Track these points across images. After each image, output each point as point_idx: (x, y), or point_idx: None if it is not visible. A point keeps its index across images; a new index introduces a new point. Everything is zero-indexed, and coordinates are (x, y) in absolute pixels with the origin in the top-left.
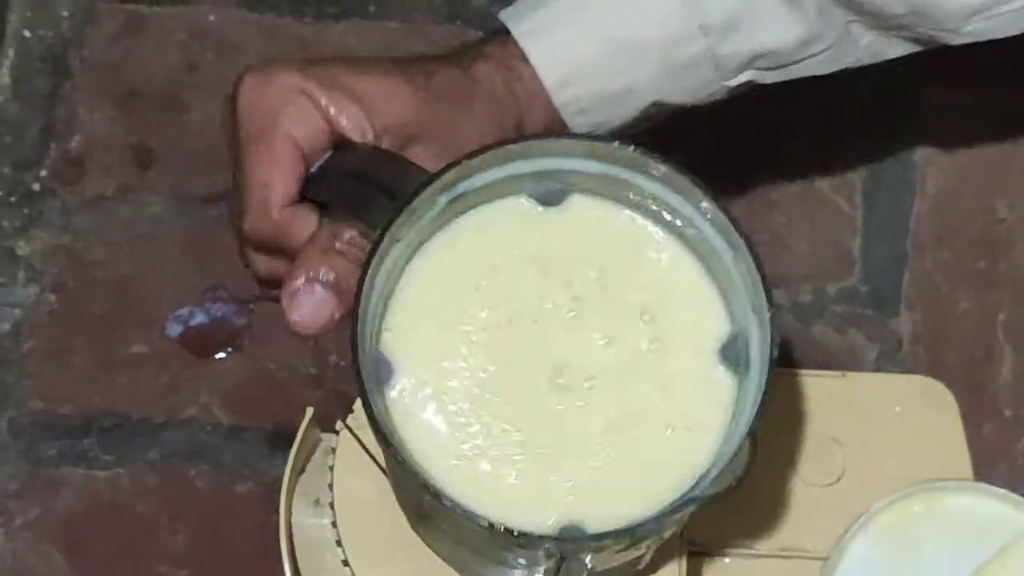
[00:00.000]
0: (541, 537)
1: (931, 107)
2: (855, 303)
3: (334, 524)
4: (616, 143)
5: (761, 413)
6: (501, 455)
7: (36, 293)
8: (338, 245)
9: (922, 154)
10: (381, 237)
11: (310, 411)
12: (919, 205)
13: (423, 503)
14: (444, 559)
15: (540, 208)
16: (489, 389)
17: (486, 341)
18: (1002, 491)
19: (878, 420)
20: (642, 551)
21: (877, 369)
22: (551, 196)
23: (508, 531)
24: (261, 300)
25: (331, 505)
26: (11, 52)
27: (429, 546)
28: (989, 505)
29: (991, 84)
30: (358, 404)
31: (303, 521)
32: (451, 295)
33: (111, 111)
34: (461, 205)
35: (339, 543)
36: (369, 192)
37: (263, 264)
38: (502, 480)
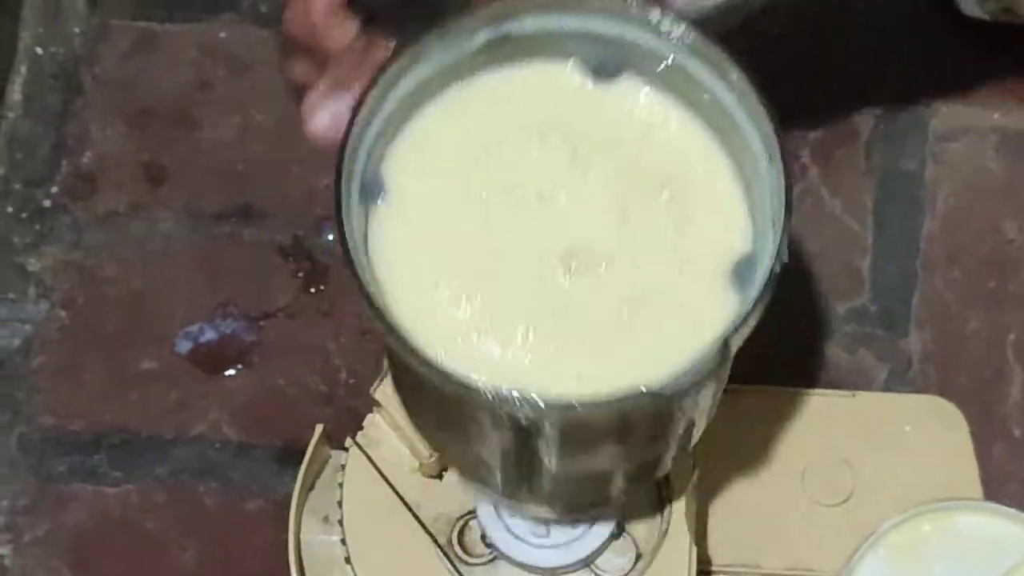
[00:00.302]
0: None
1: (941, 126)
2: (865, 322)
3: (343, 541)
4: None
5: (740, 326)
6: (498, 330)
7: (47, 309)
8: (372, 59)
9: (932, 174)
10: (403, 48)
11: (320, 428)
12: (929, 225)
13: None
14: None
15: (581, 80)
16: (491, 261)
17: (492, 210)
18: (1012, 511)
19: (888, 440)
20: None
21: (887, 389)
22: (603, 67)
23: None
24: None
25: (340, 522)
26: (23, 69)
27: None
28: (999, 525)
29: (1001, 103)
30: (367, 421)
31: (312, 538)
32: (459, 153)
33: (123, 128)
34: (501, 53)
35: (348, 560)
36: (415, 9)
37: (299, 69)
38: (497, 355)
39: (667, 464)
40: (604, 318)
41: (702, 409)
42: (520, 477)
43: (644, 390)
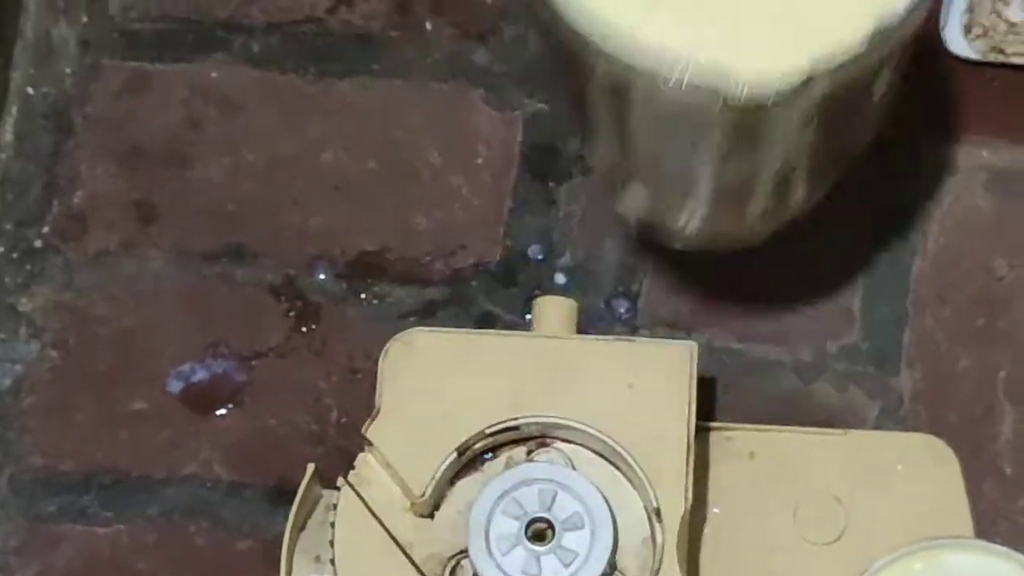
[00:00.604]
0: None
1: (931, 165)
2: (856, 361)
3: None
4: None
5: None
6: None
7: (37, 349)
8: None
9: (922, 212)
10: None
11: (311, 467)
12: (919, 263)
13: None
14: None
15: None
16: None
17: None
18: (1003, 549)
19: (879, 478)
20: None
21: (878, 427)
22: None
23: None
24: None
25: (332, 562)
26: (14, 110)
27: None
28: (990, 563)
29: (990, 141)
30: (359, 460)
31: None
32: None
33: (114, 168)
34: None
35: None
36: None
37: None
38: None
39: (851, 154)
40: None
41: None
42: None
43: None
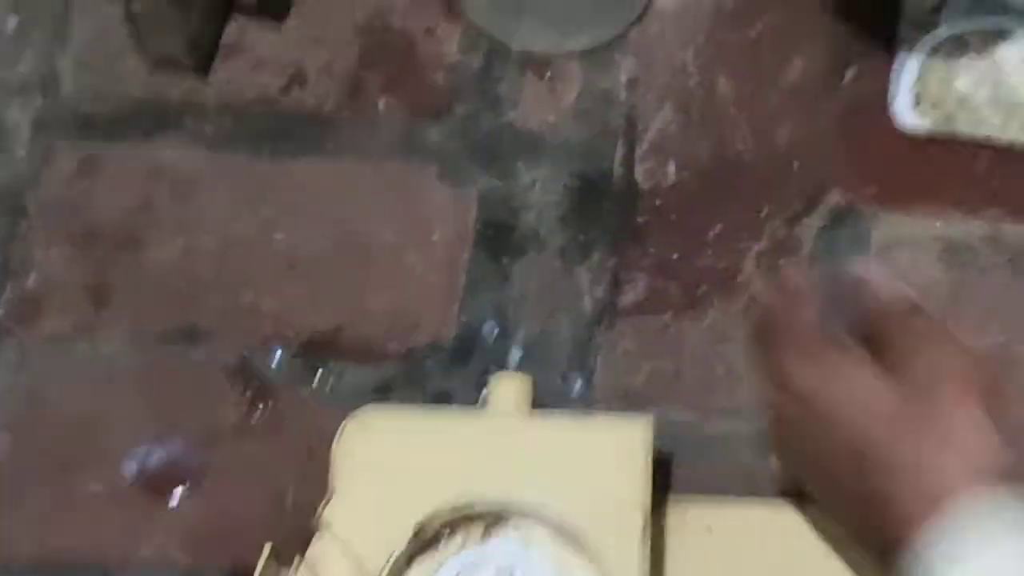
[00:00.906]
0: None
1: (883, 237)
2: None
3: None
4: None
5: None
6: None
7: None
8: None
9: None
10: None
11: (268, 546)
12: None
13: None
14: None
15: None
16: None
17: None
18: None
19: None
20: None
21: None
22: None
23: None
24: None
25: None
26: None
27: None
28: None
29: (942, 213)
30: (315, 541)
31: None
32: None
33: (67, 250)
34: None
35: None
36: None
37: None
38: None
39: None
40: None
41: None
42: None
43: None
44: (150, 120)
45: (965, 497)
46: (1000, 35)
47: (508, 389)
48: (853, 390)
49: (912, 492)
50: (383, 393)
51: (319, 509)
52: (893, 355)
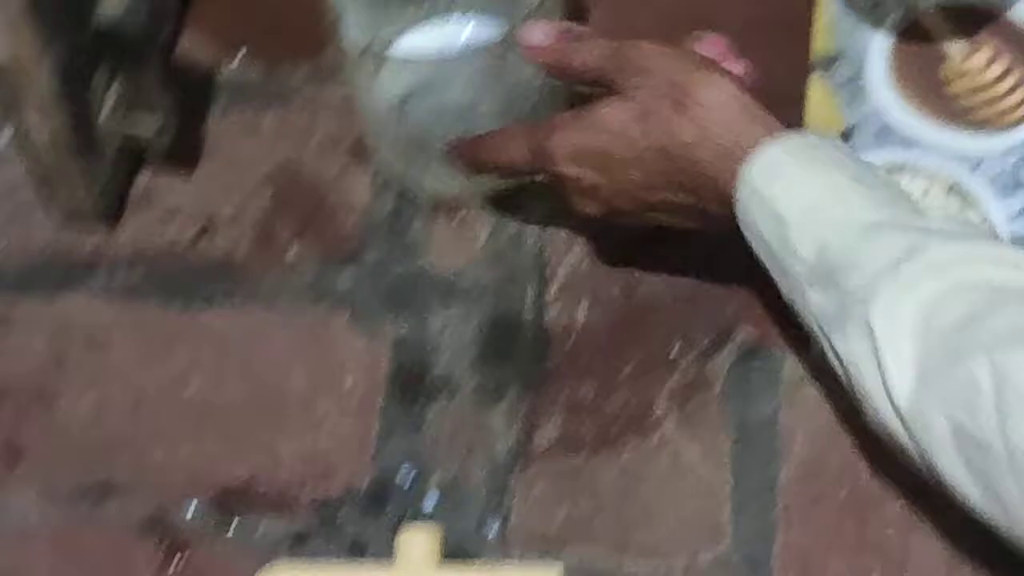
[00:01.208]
0: None
1: (792, 373)
2: (728, 571)
3: None
4: None
5: None
6: None
7: None
8: None
9: (786, 420)
10: None
11: None
12: (786, 471)
13: None
14: None
15: None
16: None
17: None
18: None
19: None
20: None
21: None
22: None
23: None
24: None
25: None
26: None
27: None
28: None
29: None
30: None
31: None
32: None
33: None
34: None
35: None
36: None
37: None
38: None
39: None
40: None
41: None
42: None
43: None
44: (60, 274)
45: (764, 139)
46: (904, 168)
47: (418, 542)
48: (616, 123)
49: (720, 150)
50: (298, 543)
51: None
52: (623, 82)
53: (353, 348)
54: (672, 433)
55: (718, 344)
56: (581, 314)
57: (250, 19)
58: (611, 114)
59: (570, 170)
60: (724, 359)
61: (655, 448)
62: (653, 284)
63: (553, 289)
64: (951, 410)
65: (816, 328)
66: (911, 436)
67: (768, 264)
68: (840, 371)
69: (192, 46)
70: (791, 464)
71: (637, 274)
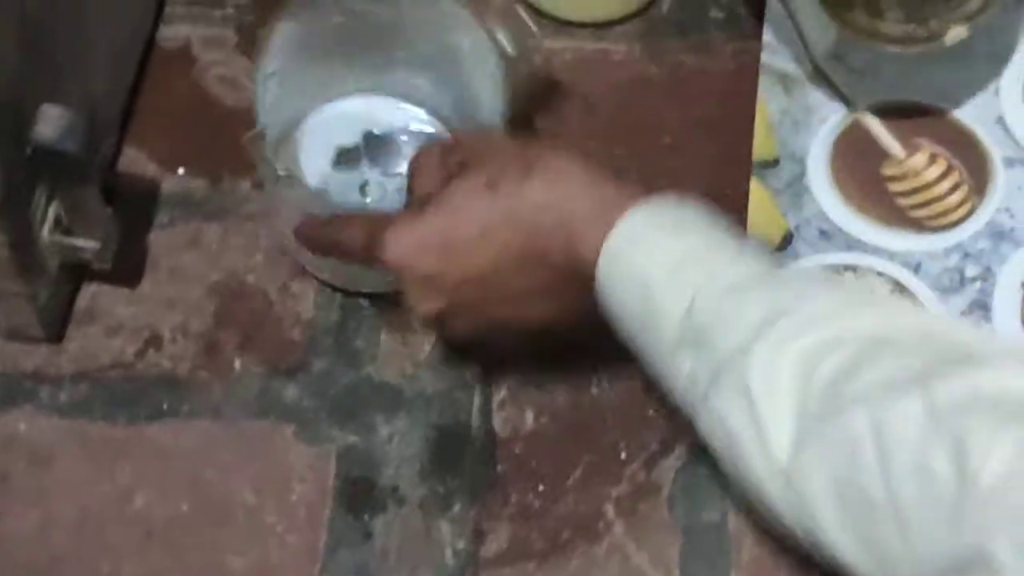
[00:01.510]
0: None
1: None
2: None
3: None
4: None
5: None
6: None
7: None
8: None
9: (734, 524)
10: None
11: None
12: (736, 575)
13: None
14: None
15: None
16: None
17: None
18: None
19: None
20: None
21: None
22: None
23: None
24: None
25: None
26: None
27: None
28: None
29: None
30: None
31: None
32: None
33: None
34: None
35: None
36: None
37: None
38: None
39: None
40: None
41: None
42: None
43: None
44: (3, 391)
45: (629, 207)
46: (847, 269)
47: None
48: (461, 196)
49: (574, 215)
50: None
51: None
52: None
53: (300, 459)
54: (621, 538)
55: (665, 449)
56: (528, 420)
57: (191, 135)
58: (458, 186)
59: (404, 261)
60: (671, 463)
61: (605, 554)
62: (601, 388)
63: (499, 396)
64: (832, 462)
65: (688, 401)
66: (791, 494)
67: (633, 336)
68: (715, 440)
69: (134, 160)
70: (739, 568)
71: (584, 378)
